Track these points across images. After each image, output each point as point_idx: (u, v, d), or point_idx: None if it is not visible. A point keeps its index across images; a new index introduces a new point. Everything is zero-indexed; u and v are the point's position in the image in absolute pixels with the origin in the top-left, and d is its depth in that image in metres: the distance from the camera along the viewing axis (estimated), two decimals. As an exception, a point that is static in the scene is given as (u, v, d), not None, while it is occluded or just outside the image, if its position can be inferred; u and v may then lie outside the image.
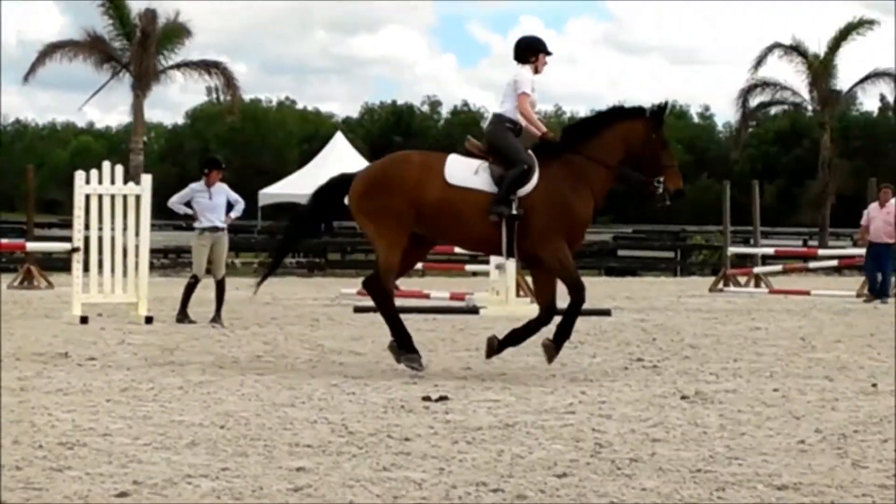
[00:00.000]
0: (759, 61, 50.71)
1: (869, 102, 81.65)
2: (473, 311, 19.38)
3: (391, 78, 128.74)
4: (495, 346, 11.98)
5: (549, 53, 12.28)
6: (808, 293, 26.07)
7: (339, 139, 53.73)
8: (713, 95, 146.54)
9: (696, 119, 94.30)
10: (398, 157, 12.47)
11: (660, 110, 12.08)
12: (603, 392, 10.58)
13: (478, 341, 14.55)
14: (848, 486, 6.86)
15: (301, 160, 64.18)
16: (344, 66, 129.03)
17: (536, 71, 12.18)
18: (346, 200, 12.35)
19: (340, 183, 12.44)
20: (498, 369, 12.14)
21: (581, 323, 16.96)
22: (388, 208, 11.79)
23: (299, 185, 43.46)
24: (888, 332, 16.58)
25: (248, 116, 71.08)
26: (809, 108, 53.46)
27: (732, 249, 30.99)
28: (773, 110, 59.14)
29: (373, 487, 6.66)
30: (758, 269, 29.67)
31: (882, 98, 68.14)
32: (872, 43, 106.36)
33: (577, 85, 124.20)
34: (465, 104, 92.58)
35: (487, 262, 21.57)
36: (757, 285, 28.70)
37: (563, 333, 11.72)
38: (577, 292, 11.70)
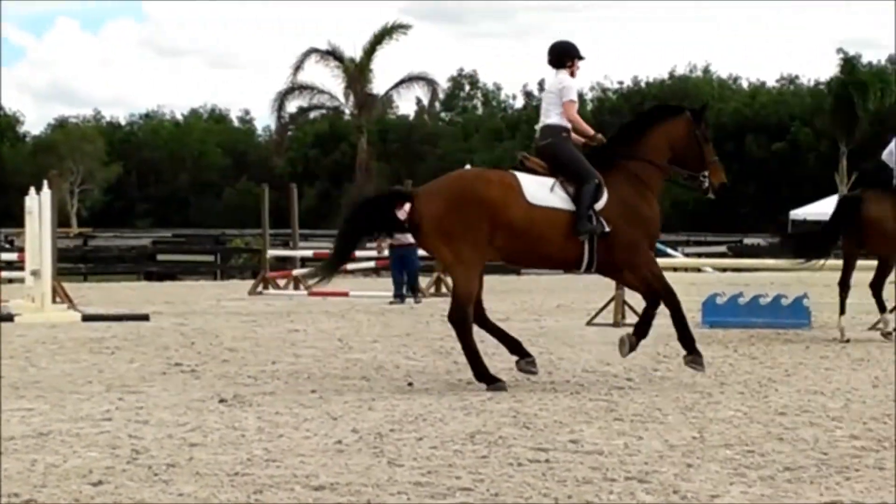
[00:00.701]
0: (298, 66, 51.38)
1: (406, 106, 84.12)
2: (8, 318, 18.63)
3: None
4: (634, 343, 11.64)
5: (581, 58, 12.10)
6: (346, 294, 26.47)
7: None
8: (253, 99, 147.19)
9: (235, 123, 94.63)
10: (474, 174, 12.02)
11: (702, 108, 12.22)
12: (141, 398, 10.36)
13: (11, 349, 13.99)
14: (384, 485, 6.96)
15: None
16: None
17: (572, 75, 11.94)
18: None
19: (388, 198, 11.86)
20: (32, 377, 11.71)
21: (119, 328, 16.68)
22: (470, 230, 11.11)
23: None
24: (423, 332, 17.05)
25: None
26: (347, 111, 54.55)
27: (272, 252, 31.08)
28: (312, 114, 60.06)
29: None
30: (297, 272, 29.89)
31: (418, 101, 70.33)
32: (407, 47, 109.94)
33: (116, 88, 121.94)
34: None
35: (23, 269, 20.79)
36: (296, 287, 28.89)
37: (641, 329, 11.69)
38: (671, 299, 11.58)
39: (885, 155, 16.27)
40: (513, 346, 11.60)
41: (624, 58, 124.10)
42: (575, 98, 11.86)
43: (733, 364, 13.15)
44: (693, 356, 11.57)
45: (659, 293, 11.60)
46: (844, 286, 16.30)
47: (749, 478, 7.13)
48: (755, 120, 79.74)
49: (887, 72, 72.00)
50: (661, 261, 26.80)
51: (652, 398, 10.45)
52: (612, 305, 18.61)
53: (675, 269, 24.85)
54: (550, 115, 11.80)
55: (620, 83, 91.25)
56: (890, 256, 16.21)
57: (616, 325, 18.02)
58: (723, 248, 51.95)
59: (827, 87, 70.37)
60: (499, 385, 11.00)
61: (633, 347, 11.66)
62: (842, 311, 16.17)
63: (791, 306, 17.88)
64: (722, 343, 15.48)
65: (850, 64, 63.04)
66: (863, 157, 63.38)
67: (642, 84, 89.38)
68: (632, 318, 18.19)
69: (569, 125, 11.79)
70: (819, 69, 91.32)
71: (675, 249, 38.68)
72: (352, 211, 12.00)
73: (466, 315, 11.13)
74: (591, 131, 11.93)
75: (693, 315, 18.47)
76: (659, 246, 34.64)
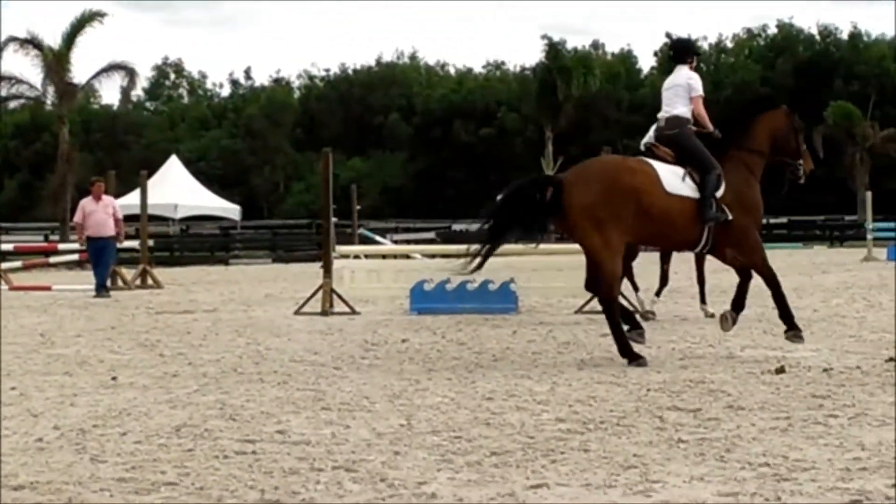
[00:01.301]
0: (-3, 55, 49.74)
1: (109, 95, 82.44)
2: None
3: None
4: (735, 318, 12.53)
5: (699, 54, 13.41)
6: (49, 288, 25.76)
7: None
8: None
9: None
10: (617, 163, 12.47)
11: (792, 104, 13.23)
12: None
13: None
14: (86, 482, 6.74)
15: None
16: None
17: (692, 70, 12.97)
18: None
19: (537, 184, 12.23)
20: None
21: None
22: (618, 217, 11.75)
23: None
24: (129, 325, 16.69)
25: None
26: (48, 101, 53.07)
27: (-30, 246, 29.96)
28: (12, 104, 58.30)
29: None
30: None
31: (122, 90, 68.78)
32: (112, 35, 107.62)
33: None
34: None
35: None
36: (-4, 282, 27.95)
37: (739, 304, 12.62)
38: (772, 279, 12.40)
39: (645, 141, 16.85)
40: (627, 317, 12.30)
41: (330, 45, 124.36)
42: (702, 93, 12.83)
43: (441, 350, 13.25)
44: (793, 332, 12.43)
45: (765, 275, 12.45)
46: None
47: (456, 463, 7.16)
48: (463, 106, 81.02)
49: (591, 57, 74.14)
50: (368, 248, 26.90)
51: (360, 386, 10.43)
52: (320, 294, 18.56)
53: (383, 257, 24.95)
54: (677, 106, 12.73)
55: (327, 70, 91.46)
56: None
57: (324, 313, 17.98)
58: (431, 235, 52.54)
59: (533, 72, 71.90)
60: (641, 362, 11.59)
61: (734, 321, 12.59)
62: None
63: (498, 291, 18.15)
64: (430, 329, 15.60)
65: (554, 50, 64.51)
66: (569, 141, 65.19)
67: (350, 71, 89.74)
68: (340, 307, 18.21)
69: (691, 117, 12.72)
70: (525, 55, 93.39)
71: (384, 236, 38.93)
72: (506, 197, 12.32)
73: (615, 295, 12.04)
74: (711, 125, 12.79)
75: (401, 302, 18.63)
76: (366, 233, 34.92)
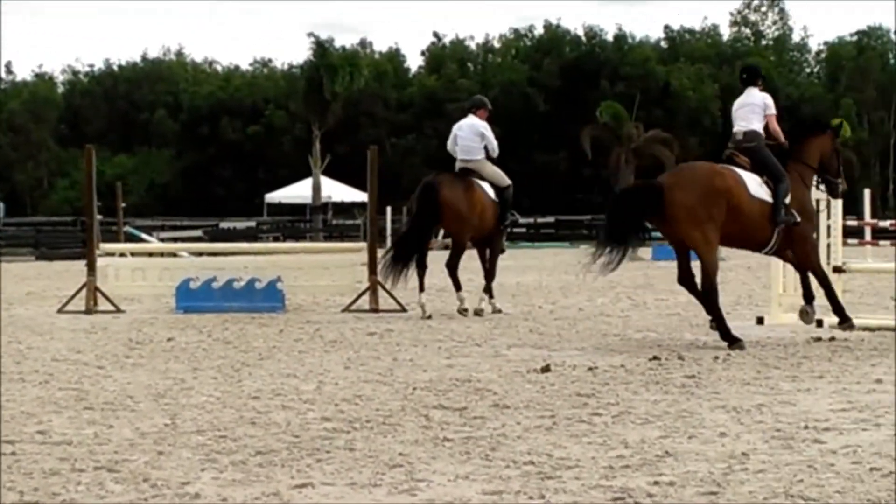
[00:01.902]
0: None
1: None
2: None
3: None
4: (813, 309, 14.19)
5: (764, 77, 15.09)
6: None
7: None
8: None
9: None
10: (709, 168, 13.78)
11: (839, 126, 15.31)
12: None
13: None
14: None
15: None
16: None
17: (761, 91, 14.48)
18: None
19: (642, 190, 13.92)
20: None
21: None
22: (715, 217, 13.33)
23: None
24: None
25: None
26: None
27: None
28: None
29: None
30: None
31: None
32: None
33: None
34: None
35: None
36: None
37: (809, 296, 14.23)
38: (824, 278, 14.14)
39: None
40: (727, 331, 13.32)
41: (95, 40, 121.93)
42: (776, 111, 14.46)
43: (207, 349, 13.10)
44: (846, 324, 13.97)
45: (818, 274, 14.14)
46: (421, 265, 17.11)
47: (221, 463, 7.07)
48: (230, 103, 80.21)
49: (359, 56, 74.19)
50: (134, 246, 26.44)
51: (124, 385, 10.25)
52: (84, 292, 18.17)
53: (149, 255, 24.54)
54: (753, 122, 14.26)
55: (92, 66, 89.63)
56: (460, 235, 17.45)
57: (88, 312, 17.62)
58: (199, 233, 51.93)
59: (300, 70, 71.57)
60: (739, 344, 12.87)
61: (814, 312, 14.25)
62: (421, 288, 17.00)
63: (265, 290, 18.03)
64: (196, 328, 15.40)
65: (322, 47, 64.34)
66: (336, 139, 65.15)
67: (115, 67, 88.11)
68: (104, 305, 17.87)
69: (763, 131, 14.29)
70: (292, 52, 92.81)
71: (150, 234, 38.34)
72: (615, 202, 14.03)
73: (715, 285, 13.47)
74: (783, 138, 14.34)
75: (167, 300, 18.36)
76: (132, 231, 34.35)
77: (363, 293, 17.91)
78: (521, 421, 8.43)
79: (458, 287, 17.27)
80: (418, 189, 17.24)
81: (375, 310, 17.47)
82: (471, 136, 17.52)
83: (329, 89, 60.94)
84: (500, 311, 17.24)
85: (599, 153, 52.74)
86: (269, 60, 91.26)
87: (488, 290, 17.57)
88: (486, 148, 17.54)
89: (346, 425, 8.30)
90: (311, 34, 65.09)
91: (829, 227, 15.61)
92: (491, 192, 17.44)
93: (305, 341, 13.88)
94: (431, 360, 12.00)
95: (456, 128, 17.80)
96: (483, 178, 17.48)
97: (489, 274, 17.81)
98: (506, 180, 17.63)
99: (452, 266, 17.35)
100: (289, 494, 6.37)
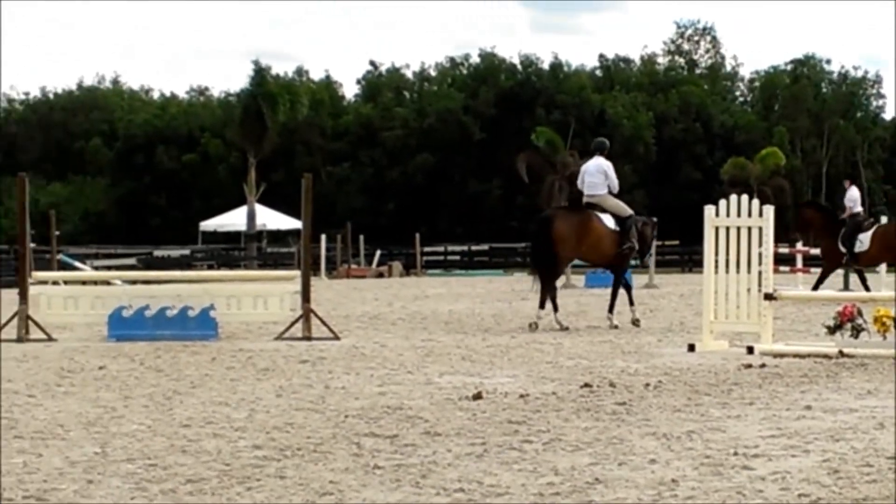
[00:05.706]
0: None
1: None
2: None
3: None
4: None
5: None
6: None
7: None
8: None
9: None
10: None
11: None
12: None
13: None
14: None
15: None
16: None
17: None
18: None
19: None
20: None
21: None
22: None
23: None
24: None
25: None
26: None
27: None
28: None
29: None
30: None
31: None
32: None
33: None
34: None
35: None
36: None
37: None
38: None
39: None
40: None
41: (30, 68, 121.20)
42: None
43: (139, 377, 13.03)
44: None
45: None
46: None
47: (151, 492, 7.05)
48: (166, 131, 79.96)
49: (296, 84, 74.14)
50: (67, 275, 26.24)
51: (54, 414, 10.18)
52: (15, 321, 18.01)
53: (83, 283, 24.35)
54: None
55: (27, 94, 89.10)
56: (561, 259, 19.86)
57: (20, 340, 17.48)
58: (133, 261, 51.63)
59: (237, 98, 71.42)
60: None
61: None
62: None
63: (198, 318, 17.95)
64: (128, 356, 15.31)
65: (260, 75, 64.25)
66: (271, 168, 65.03)
67: (50, 95, 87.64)
68: (36, 334, 17.73)
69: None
70: (230, 81, 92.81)
71: (84, 262, 38.08)
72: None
73: None
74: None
75: (100, 329, 18.24)
76: (66, 259, 34.10)
77: (296, 321, 17.89)
78: (452, 448, 8.45)
79: (542, 305, 19.21)
80: (535, 220, 20.29)
81: (308, 338, 17.48)
82: (596, 174, 19.75)
83: (270, 117, 60.79)
84: (638, 323, 19.11)
85: (534, 180, 52.95)
86: (206, 88, 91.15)
87: (611, 308, 19.41)
88: (608, 185, 19.73)
89: (277, 453, 8.29)
90: (255, 62, 64.89)
91: (760, 255, 15.71)
92: (610, 222, 19.59)
93: (238, 369, 13.83)
94: (363, 387, 12.00)
95: (584, 167, 20.29)
96: (605, 211, 19.67)
97: (613, 294, 19.58)
98: (627, 211, 19.86)
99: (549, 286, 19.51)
100: (218, 522, 6.37)
